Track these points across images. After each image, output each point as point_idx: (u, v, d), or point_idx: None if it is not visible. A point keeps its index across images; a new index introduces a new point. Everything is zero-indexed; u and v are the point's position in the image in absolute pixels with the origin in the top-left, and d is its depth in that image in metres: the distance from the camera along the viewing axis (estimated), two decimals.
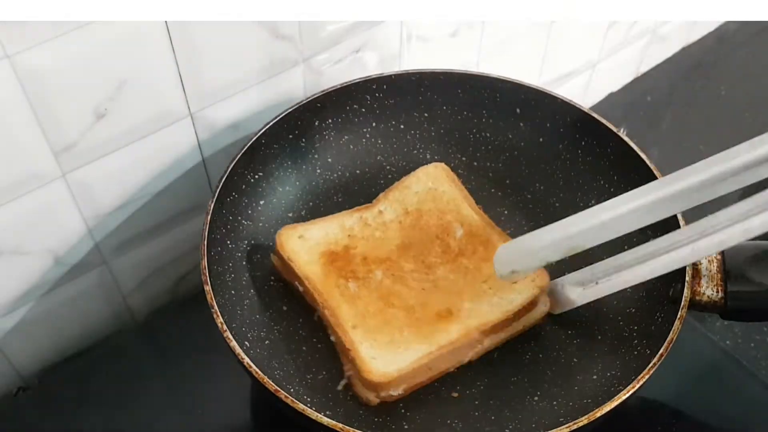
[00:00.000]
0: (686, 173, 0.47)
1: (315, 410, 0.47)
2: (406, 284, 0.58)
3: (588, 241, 0.52)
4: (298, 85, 0.66)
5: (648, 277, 0.53)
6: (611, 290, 0.55)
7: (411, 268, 0.59)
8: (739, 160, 0.45)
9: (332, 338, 0.57)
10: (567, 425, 0.47)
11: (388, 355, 0.54)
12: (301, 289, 0.58)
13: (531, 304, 0.57)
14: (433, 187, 0.64)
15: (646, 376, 0.49)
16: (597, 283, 0.56)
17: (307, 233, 0.60)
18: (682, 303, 0.53)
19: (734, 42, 1.07)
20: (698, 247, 0.50)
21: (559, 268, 0.59)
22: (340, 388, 0.55)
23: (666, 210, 0.49)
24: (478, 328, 0.55)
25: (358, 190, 0.66)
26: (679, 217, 0.57)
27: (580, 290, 0.57)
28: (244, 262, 0.60)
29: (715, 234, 0.49)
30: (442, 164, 0.65)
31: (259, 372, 0.48)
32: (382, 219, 0.62)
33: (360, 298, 0.57)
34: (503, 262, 0.55)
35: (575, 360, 0.57)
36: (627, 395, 0.48)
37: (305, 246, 0.59)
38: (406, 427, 0.54)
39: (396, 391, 0.54)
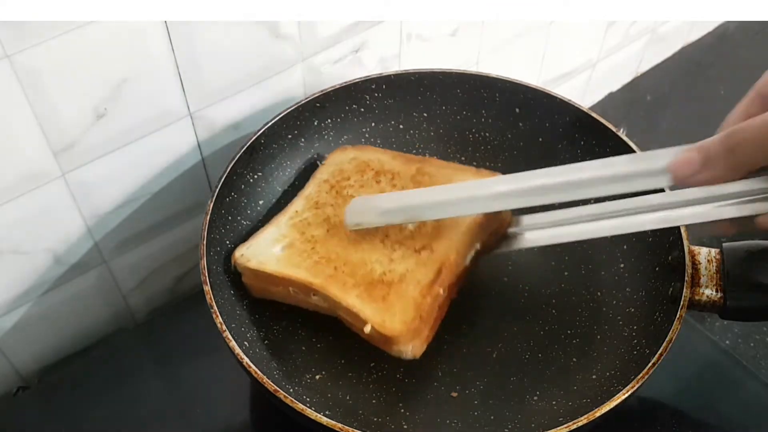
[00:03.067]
0: (527, 176, 0.50)
1: (314, 410, 0.47)
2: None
3: (427, 215, 0.55)
4: (298, 84, 0.66)
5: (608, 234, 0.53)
6: (567, 239, 0.55)
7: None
8: (580, 175, 0.48)
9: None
10: (566, 425, 0.47)
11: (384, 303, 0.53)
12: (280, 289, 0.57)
13: None
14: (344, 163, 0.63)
15: (646, 376, 0.49)
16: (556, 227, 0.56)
17: (255, 245, 0.58)
18: (682, 303, 0.53)
19: (734, 42, 1.07)
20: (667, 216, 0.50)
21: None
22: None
23: (503, 203, 0.53)
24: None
25: None
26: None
27: (538, 233, 0.57)
28: None
29: (686, 208, 0.49)
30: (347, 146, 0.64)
31: (259, 372, 0.48)
32: (314, 204, 0.60)
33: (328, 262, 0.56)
34: (351, 213, 0.56)
35: (575, 360, 0.57)
36: (626, 395, 0.48)
37: (270, 257, 0.57)
38: (405, 427, 0.54)
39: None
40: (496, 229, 0.59)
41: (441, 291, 0.55)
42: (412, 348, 0.53)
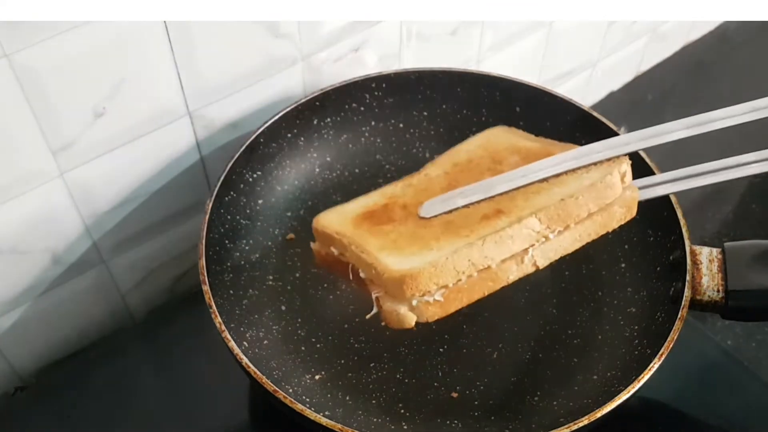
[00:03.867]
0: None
1: (314, 410, 0.47)
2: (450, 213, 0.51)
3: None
4: (297, 83, 0.65)
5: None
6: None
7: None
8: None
9: (362, 275, 0.50)
10: (567, 425, 0.47)
11: (415, 256, 0.47)
12: (336, 252, 0.52)
13: (602, 190, 0.49)
14: (486, 140, 0.58)
15: (647, 376, 0.49)
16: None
17: (343, 208, 0.55)
18: (683, 303, 0.53)
19: (734, 41, 1.07)
20: None
21: None
22: (368, 317, 0.49)
23: None
24: (533, 215, 0.48)
25: (357, 190, 0.66)
26: (680, 215, 0.57)
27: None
28: (242, 262, 0.60)
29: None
30: (502, 126, 0.61)
31: (258, 372, 0.48)
32: (427, 176, 0.56)
33: (393, 231, 0.50)
34: (426, 209, 0.53)
35: (575, 360, 0.57)
36: (627, 395, 0.48)
37: (341, 216, 0.53)
38: (405, 427, 0.53)
39: (431, 296, 0.47)
40: None
41: None
42: None
